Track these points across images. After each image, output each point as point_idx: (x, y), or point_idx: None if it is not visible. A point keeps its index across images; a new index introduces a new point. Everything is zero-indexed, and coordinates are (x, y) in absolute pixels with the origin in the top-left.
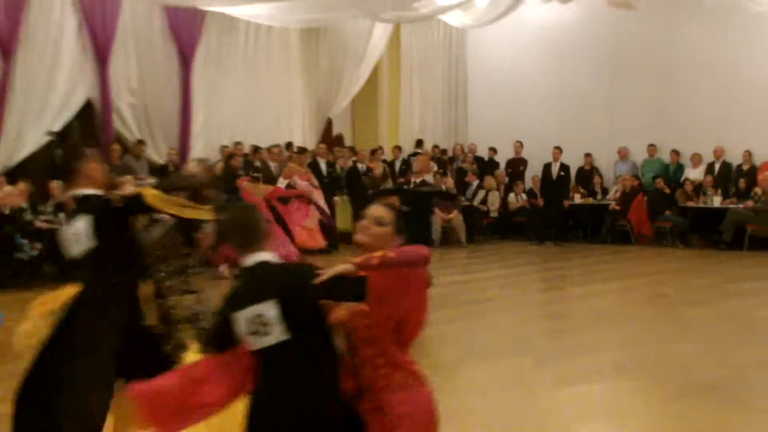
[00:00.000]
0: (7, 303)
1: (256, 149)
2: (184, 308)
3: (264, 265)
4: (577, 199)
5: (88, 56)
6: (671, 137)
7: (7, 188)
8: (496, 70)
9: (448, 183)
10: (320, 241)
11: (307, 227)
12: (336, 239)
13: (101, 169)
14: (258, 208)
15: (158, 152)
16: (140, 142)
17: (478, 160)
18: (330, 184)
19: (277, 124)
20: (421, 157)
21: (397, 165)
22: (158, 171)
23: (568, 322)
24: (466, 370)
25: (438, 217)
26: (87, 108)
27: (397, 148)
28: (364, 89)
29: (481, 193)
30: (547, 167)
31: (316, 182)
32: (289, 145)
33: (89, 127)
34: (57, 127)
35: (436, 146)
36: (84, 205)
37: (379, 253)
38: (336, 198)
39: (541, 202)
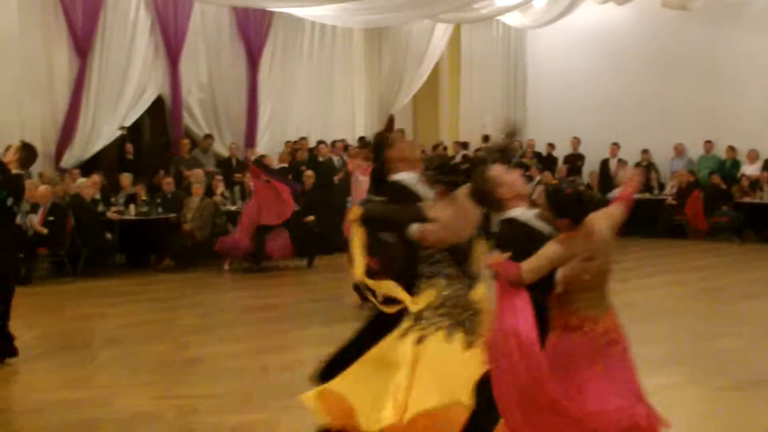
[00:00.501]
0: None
1: (319, 144)
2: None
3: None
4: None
5: (160, 54)
6: (727, 134)
7: (81, 180)
8: (554, 68)
9: None
10: None
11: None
12: None
13: (411, 147)
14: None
15: (225, 146)
16: (208, 137)
17: (537, 155)
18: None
19: (340, 121)
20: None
21: (459, 159)
22: (223, 164)
23: (623, 314)
24: None
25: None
26: (158, 104)
27: (458, 144)
28: (425, 86)
29: (538, 189)
30: (604, 163)
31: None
32: (361, 139)
33: (160, 122)
34: (129, 122)
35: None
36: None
37: None
38: None
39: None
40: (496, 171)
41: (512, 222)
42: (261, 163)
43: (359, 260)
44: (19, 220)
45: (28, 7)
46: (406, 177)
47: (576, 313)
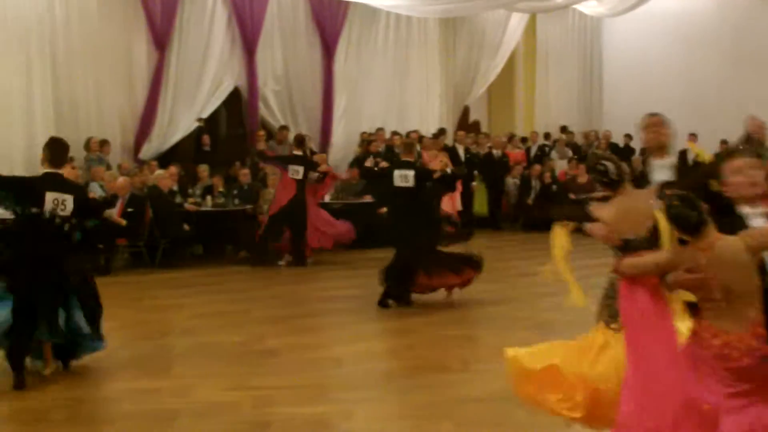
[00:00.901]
0: (161, 282)
1: (393, 135)
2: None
3: None
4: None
5: (237, 47)
6: None
7: (159, 171)
8: (630, 57)
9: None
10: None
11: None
12: (472, 224)
13: None
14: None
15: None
16: (283, 128)
17: (613, 146)
18: (468, 170)
19: (415, 111)
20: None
21: (533, 150)
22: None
23: None
24: None
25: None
26: (234, 95)
27: (535, 134)
28: (500, 77)
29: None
30: (682, 153)
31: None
32: (441, 131)
33: (236, 113)
34: (206, 113)
35: (571, 132)
36: None
37: None
38: (474, 183)
39: None
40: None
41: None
42: (263, 154)
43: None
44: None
45: (107, 1)
46: None
47: (701, 321)
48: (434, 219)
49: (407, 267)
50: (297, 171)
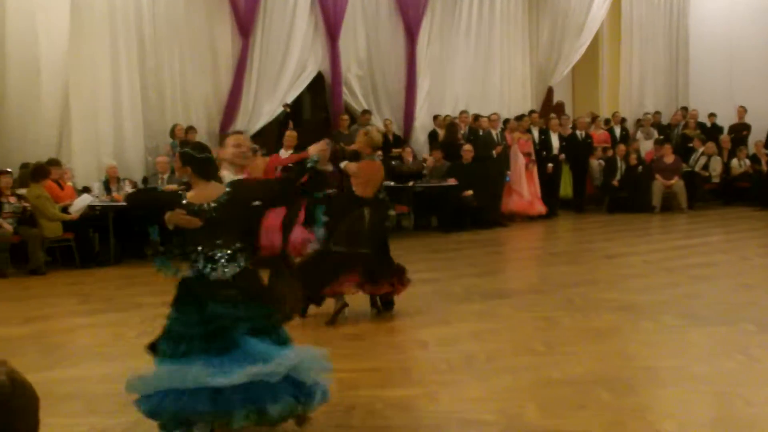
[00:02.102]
0: None
1: (476, 117)
2: None
3: None
4: None
5: (320, 32)
6: None
7: None
8: (718, 34)
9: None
10: (540, 208)
11: (525, 195)
12: (556, 205)
13: None
14: None
15: (383, 122)
16: (366, 112)
17: (700, 125)
18: (547, 152)
19: (498, 94)
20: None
21: (617, 132)
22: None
23: None
24: (689, 334)
25: (659, 182)
26: (318, 80)
27: (619, 114)
28: (584, 57)
29: (703, 159)
30: None
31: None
32: (531, 112)
33: (320, 98)
34: (290, 99)
35: (657, 112)
36: None
37: None
38: (549, 165)
39: (765, 167)
40: None
41: None
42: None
43: None
44: None
45: None
46: None
47: None
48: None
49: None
50: None
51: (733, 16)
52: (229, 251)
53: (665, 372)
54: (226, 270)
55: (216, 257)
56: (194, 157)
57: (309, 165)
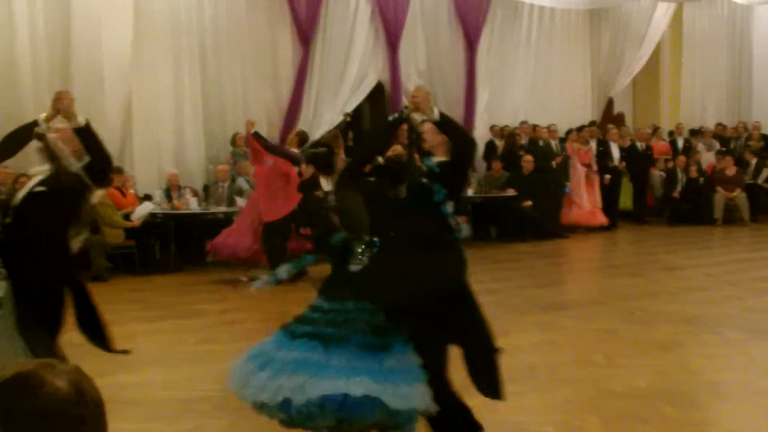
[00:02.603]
0: None
1: (535, 128)
2: None
3: None
4: None
5: (380, 42)
6: None
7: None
8: None
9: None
10: (601, 219)
11: (585, 205)
12: (616, 217)
13: None
14: None
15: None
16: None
17: (765, 137)
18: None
19: (558, 104)
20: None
21: (680, 143)
22: None
23: None
24: (753, 348)
25: (721, 194)
26: (378, 90)
27: (681, 126)
28: (645, 68)
29: (765, 172)
30: None
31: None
32: (592, 123)
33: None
34: (350, 108)
35: (719, 124)
36: None
37: None
38: (607, 176)
39: None
40: None
41: None
42: (262, 137)
43: None
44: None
45: None
46: None
47: None
48: None
49: None
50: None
51: None
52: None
53: (728, 386)
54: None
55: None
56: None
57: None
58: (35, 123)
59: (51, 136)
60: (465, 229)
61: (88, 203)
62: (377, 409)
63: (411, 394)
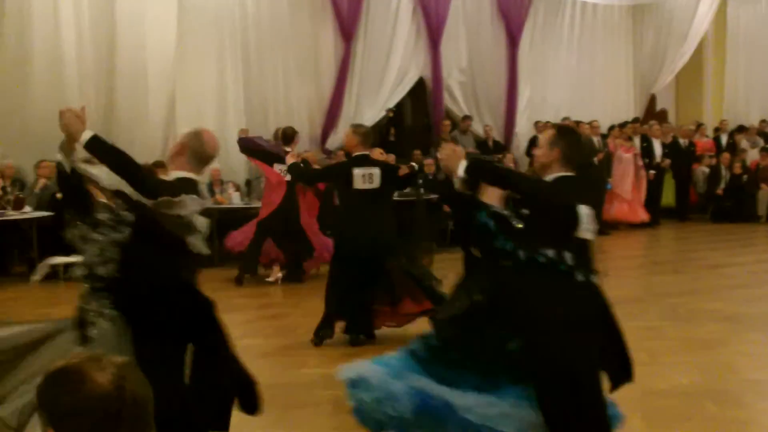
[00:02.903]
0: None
1: (577, 124)
2: None
3: None
4: None
5: (422, 38)
6: None
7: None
8: None
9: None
10: (642, 216)
11: (626, 200)
12: (658, 214)
13: None
14: None
15: (483, 128)
16: (467, 118)
17: None
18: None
19: (600, 100)
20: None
21: (724, 140)
22: (481, 145)
23: None
24: None
25: (765, 192)
26: (419, 86)
27: (725, 122)
28: (688, 65)
29: None
30: None
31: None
32: (635, 120)
33: (421, 103)
34: (391, 104)
35: (763, 120)
36: None
37: None
38: (651, 172)
39: None
40: None
41: None
42: (250, 140)
43: None
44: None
45: None
46: None
47: None
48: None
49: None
50: (283, 171)
51: None
52: None
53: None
54: None
55: None
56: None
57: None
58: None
59: (81, 166)
60: None
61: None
62: None
63: None
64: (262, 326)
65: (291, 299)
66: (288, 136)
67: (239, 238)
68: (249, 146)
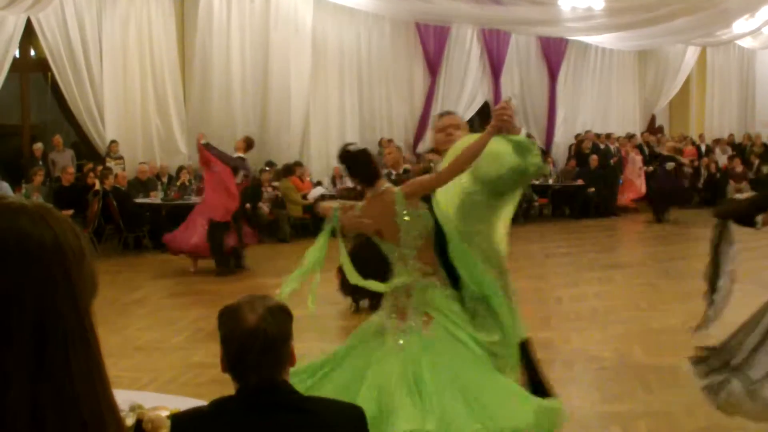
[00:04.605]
0: None
1: (597, 135)
2: None
3: None
4: None
5: (487, 72)
6: None
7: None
8: None
9: None
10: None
11: (634, 191)
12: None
13: None
14: None
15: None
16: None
17: (765, 145)
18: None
19: (616, 118)
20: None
21: (703, 148)
22: None
23: None
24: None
25: (732, 186)
26: (484, 108)
27: (703, 136)
28: (678, 94)
29: (765, 168)
30: None
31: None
32: (641, 132)
33: (485, 121)
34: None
35: (731, 135)
36: None
37: None
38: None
39: None
40: None
41: None
42: (212, 147)
43: None
44: None
45: (397, 39)
46: None
47: None
48: None
49: None
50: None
51: None
52: None
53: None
54: None
55: None
56: None
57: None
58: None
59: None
60: None
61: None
62: None
63: None
64: None
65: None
66: (249, 142)
67: (180, 238)
68: (218, 154)
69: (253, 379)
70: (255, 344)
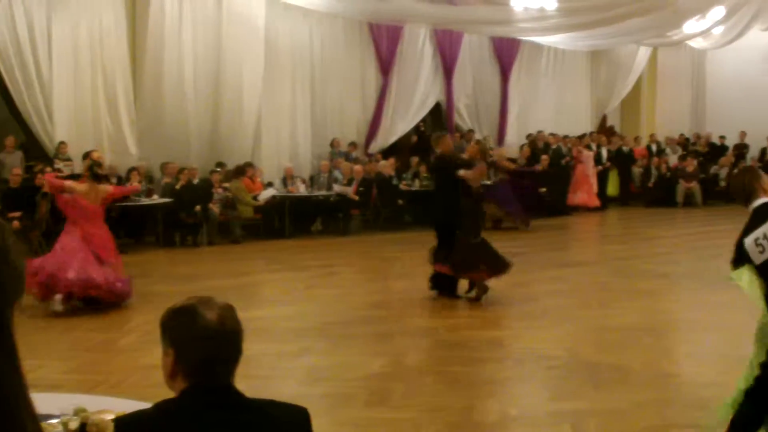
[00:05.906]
0: (383, 241)
1: (551, 135)
2: None
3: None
4: None
5: (439, 72)
6: None
7: (383, 162)
8: (727, 79)
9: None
10: (596, 202)
11: (585, 190)
12: (606, 200)
13: None
14: None
15: (483, 137)
16: (470, 131)
17: (711, 145)
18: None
19: (567, 118)
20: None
21: (654, 148)
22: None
23: None
24: (706, 294)
25: (682, 185)
26: (437, 107)
27: (654, 135)
28: (630, 94)
29: (715, 168)
30: (763, 150)
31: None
32: (592, 132)
33: (438, 120)
34: (416, 121)
35: (681, 134)
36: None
37: None
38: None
39: None
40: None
41: None
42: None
43: None
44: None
45: (349, 39)
46: None
47: None
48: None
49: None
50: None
51: (739, 64)
52: None
53: (687, 323)
54: None
55: None
56: None
57: None
58: None
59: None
60: None
61: None
62: None
63: None
64: (323, 281)
65: (347, 260)
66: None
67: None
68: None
69: (223, 378)
70: (223, 342)
